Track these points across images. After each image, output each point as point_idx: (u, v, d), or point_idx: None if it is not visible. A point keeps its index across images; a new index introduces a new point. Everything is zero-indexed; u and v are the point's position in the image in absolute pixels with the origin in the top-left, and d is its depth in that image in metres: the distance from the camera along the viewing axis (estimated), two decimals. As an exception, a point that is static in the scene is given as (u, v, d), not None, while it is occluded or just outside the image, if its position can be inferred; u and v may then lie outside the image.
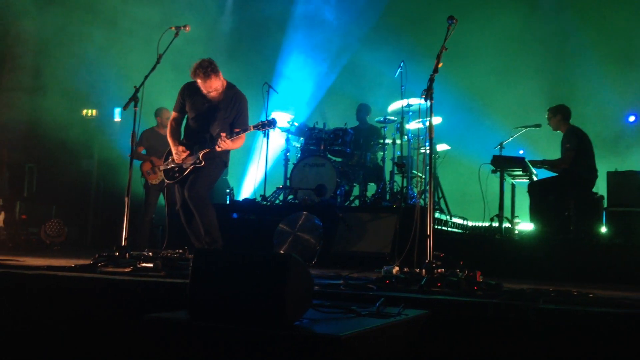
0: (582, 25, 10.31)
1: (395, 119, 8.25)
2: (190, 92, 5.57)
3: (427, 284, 3.79)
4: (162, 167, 5.71)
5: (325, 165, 7.78)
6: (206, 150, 5.37)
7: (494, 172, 7.26)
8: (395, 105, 8.31)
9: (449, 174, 9.39)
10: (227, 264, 2.63)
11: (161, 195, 8.04)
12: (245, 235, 7.14)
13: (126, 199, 5.30)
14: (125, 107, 5.32)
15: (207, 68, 5.26)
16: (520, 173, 7.57)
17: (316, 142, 8.18)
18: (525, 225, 7.82)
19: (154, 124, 8.30)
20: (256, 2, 11.99)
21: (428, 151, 4.72)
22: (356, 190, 8.64)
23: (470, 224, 8.60)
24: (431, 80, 4.40)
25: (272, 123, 5.41)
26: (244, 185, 10.84)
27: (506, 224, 7.24)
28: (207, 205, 5.44)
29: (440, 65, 4.44)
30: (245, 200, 8.57)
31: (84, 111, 10.49)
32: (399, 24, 11.39)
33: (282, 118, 8.40)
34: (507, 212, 7.32)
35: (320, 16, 11.72)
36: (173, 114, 5.71)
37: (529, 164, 7.30)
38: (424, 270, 4.08)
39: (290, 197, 8.00)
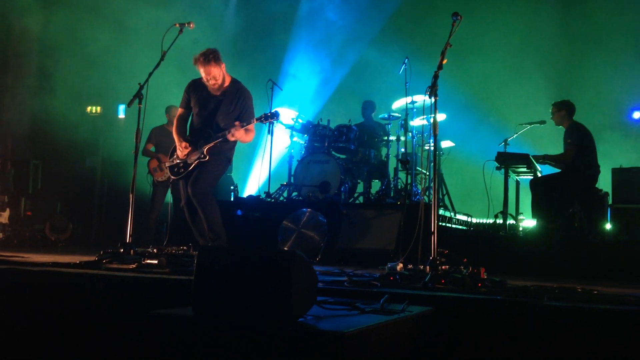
0: (588, 22, 10.26)
1: (400, 115, 8.25)
2: (195, 88, 5.59)
3: (431, 280, 3.80)
4: (167, 164, 5.72)
5: (330, 162, 7.78)
6: (211, 145, 5.37)
7: (498, 168, 7.25)
8: (400, 102, 8.31)
9: (453, 170, 9.38)
10: (231, 260, 2.63)
11: (168, 193, 8.05)
12: (249, 232, 7.14)
13: (131, 196, 5.32)
14: (129, 104, 5.33)
15: (208, 54, 5.28)
16: (524, 170, 7.56)
17: (320, 139, 8.18)
18: (529, 222, 7.80)
19: (158, 121, 8.30)
20: (261, 0, 11.98)
21: (432, 148, 4.72)
22: (360, 187, 8.64)
23: (474, 220, 8.59)
24: (435, 77, 4.40)
25: (275, 115, 5.45)
26: (249, 182, 10.84)
27: (510, 221, 7.23)
28: (210, 202, 5.44)
29: (444, 61, 4.44)
30: (250, 197, 8.56)
31: (89, 108, 10.50)
32: (403, 21, 11.37)
33: (287, 115, 8.41)
34: (511, 209, 7.32)
35: (325, 13, 11.70)
36: (179, 110, 5.72)
37: (533, 160, 7.29)
38: (428, 267, 4.09)
39: (295, 193, 8.00)
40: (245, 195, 9.43)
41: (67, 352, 3.77)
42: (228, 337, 2.47)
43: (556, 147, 7.68)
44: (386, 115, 8.46)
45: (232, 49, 11.57)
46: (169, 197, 8.01)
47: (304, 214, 6.58)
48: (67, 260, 4.94)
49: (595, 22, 10.20)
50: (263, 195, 8.08)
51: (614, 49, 10.13)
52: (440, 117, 8.10)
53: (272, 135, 8.43)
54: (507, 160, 7.19)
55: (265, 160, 8.36)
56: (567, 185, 7.10)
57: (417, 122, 8.20)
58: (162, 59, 5.43)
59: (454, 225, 7.75)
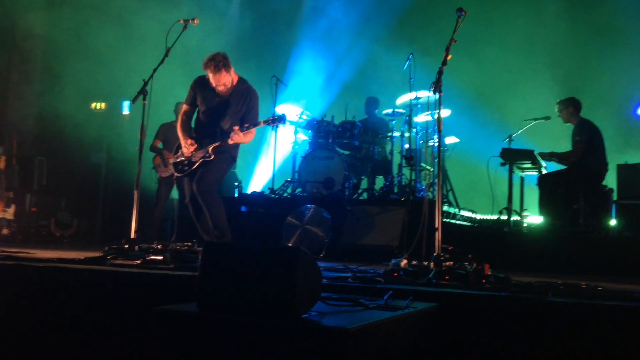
0: (594, 18, 10.22)
1: (404, 111, 8.23)
2: (201, 85, 5.56)
3: (436, 276, 3.79)
4: (171, 160, 5.72)
5: (334, 158, 7.77)
6: (216, 144, 5.37)
7: (502, 164, 7.23)
8: (404, 98, 8.29)
9: (458, 166, 9.35)
10: (235, 256, 2.63)
11: (174, 189, 8.06)
12: (253, 228, 7.15)
13: (135, 192, 5.32)
14: (134, 101, 5.33)
15: (219, 62, 5.25)
16: (529, 166, 7.54)
17: (324, 135, 8.17)
18: (534, 218, 7.79)
19: (162, 117, 8.29)
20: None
21: (437, 144, 4.70)
22: (364, 183, 8.63)
23: (478, 217, 8.57)
24: (440, 72, 4.38)
25: (282, 119, 5.42)
26: (253, 179, 10.85)
27: (515, 217, 7.21)
28: (215, 199, 5.45)
29: (449, 57, 4.42)
30: (254, 193, 8.58)
31: (93, 104, 10.53)
32: (408, 17, 11.34)
33: (291, 111, 8.40)
34: (515, 205, 7.30)
35: (330, 10, 11.69)
36: (184, 107, 5.71)
37: (538, 156, 7.27)
38: (432, 263, 4.08)
39: (299, 190, 8.00)
40: (249, 191, 9.46)
41: (73, 347, 3.79)
42: (232, 333, 2.47)
43: (560, 143, 7.66)
44: (390, 111, 8.44)
45: (237, 46, 11.56)
46: (175, 194, 8.03)
47: (308, 210, 6.59)
48: (72, 256, 4.96)
49: (601, 18, 10.17)
50: (267, 191, 8.08)
51: (619, 45, 10.09)
52: (445, 113, 8.10)
53: (276, 132, 8.44)
54: (512, 157, 7.17)
55: (270, 156, 8.37)
56: (572, 182, 7.08)
57: (421, 118, 8.18)
58: (166, 55, 5.42)
59: (458, 222, 7.74)
